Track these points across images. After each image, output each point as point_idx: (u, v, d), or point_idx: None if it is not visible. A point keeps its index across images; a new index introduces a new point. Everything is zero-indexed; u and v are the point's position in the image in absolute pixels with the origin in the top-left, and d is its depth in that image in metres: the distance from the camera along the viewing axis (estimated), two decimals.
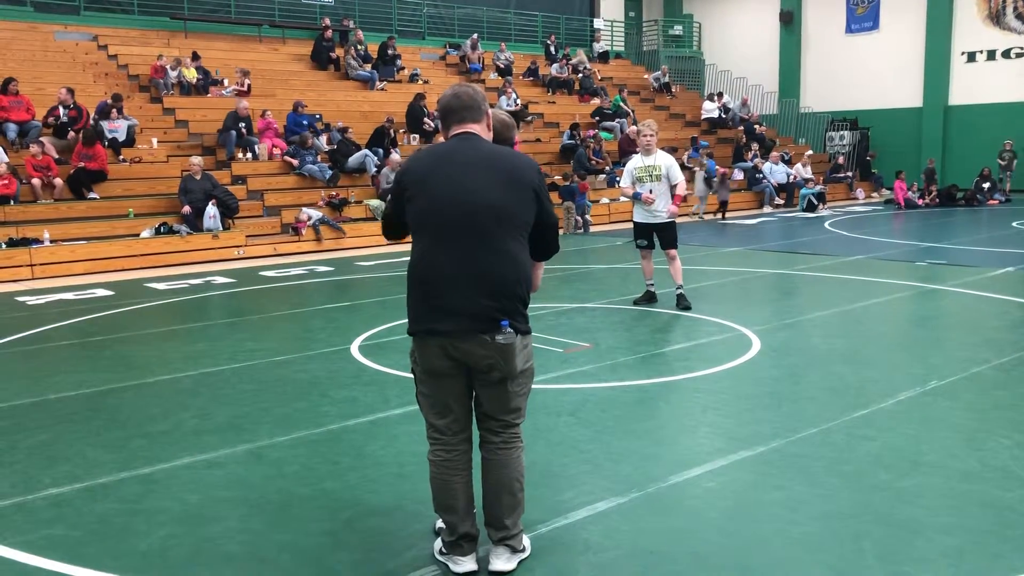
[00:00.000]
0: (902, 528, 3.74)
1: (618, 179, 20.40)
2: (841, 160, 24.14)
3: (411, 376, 3.51)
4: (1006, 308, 8.53)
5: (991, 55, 23.74)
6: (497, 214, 3.22)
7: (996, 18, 23.54)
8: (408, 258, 3.38)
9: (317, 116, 18.16)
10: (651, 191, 8.77)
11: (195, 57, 18.68)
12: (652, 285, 9.17)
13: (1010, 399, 5.61)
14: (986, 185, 21.47)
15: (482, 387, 3.36)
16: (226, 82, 18.73)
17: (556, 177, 18.55)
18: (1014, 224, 16.13)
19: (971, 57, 24.12)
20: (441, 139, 3.54)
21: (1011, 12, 23.24)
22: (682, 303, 8.80)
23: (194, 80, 18.31)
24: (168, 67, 18.00)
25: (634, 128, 21.86)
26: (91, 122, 14.97)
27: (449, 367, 3.29)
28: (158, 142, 16.16)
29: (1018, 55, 23.26)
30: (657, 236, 8.93)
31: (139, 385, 6.38)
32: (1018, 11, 23.10)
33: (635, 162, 8.91)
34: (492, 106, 19.28)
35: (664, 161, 8.80)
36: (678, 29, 30.28)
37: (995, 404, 5.51)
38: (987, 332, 7.34)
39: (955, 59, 24.42)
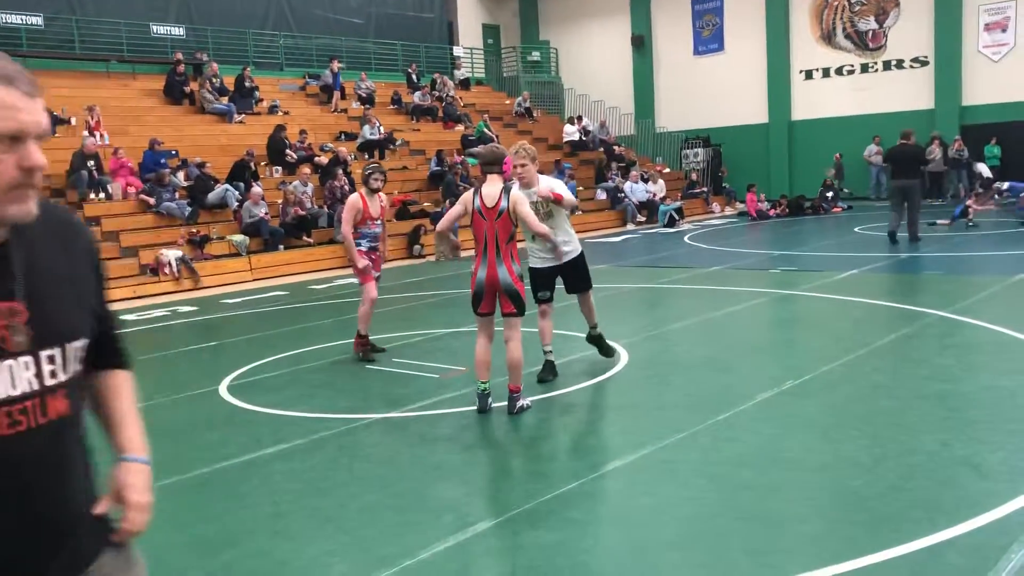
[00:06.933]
0: (765, 522, 3.95)
1: None
2: (695, 176, 25.20)
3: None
4: (852, 308, 9.10)
5: (826, 73, 25.36)
6: None
7: (828, 38, 25.18)
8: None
9: (173, 152, 17.60)
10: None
11: None
12: (551, 352, 6.86)
13: (858, 393, 6.00)
14: (829, 194, 22.86)
15: None
16: (73, 121, 17.92)
17: (426, 204, 18.62)
18: (856, 229, 17.22)
19: (808, 75, 25.70)
20: None
21: (841, 33, 24.92)
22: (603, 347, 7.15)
23: None
24: None
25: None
26: None
27: None
28: None
29: (849, 72, 24.94)
30: (562, 280, 6.91)
31: None
32: (847, 32, 24.79)
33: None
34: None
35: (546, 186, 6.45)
36: (536, 55, 30.98)
37: (845, 399, 5.88)
38: (835, 332, 7.82)
39: (794, 77, 25.96)
